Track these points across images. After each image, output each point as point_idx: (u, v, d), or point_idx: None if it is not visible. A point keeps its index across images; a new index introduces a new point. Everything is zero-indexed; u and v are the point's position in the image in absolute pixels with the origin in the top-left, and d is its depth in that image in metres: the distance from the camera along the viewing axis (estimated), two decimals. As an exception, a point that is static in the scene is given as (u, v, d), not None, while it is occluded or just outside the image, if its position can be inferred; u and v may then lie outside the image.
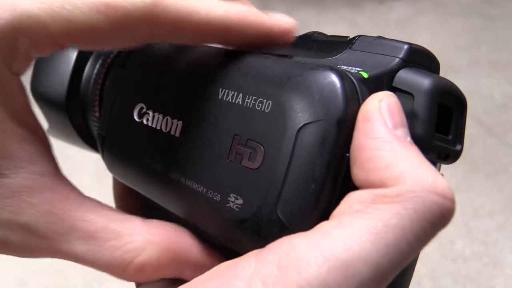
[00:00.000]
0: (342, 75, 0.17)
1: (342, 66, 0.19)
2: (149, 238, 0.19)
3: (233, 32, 0.19)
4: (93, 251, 0.19)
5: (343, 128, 0.16)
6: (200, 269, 0.19)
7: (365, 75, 0.18)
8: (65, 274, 0.89)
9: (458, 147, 0.19)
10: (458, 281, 0.86)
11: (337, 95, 0.16)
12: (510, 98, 1.24)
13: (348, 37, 0.21)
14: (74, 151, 0.32)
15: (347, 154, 0.17)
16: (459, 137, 0.19)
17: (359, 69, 0.18)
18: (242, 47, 0.20)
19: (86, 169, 1.03)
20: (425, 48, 0.19)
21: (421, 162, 0.16)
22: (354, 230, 0.15)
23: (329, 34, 0.23)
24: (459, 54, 1.41)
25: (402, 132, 0.17)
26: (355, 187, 0.16)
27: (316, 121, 0.16)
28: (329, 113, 0.16)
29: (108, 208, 0.20)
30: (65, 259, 0.19)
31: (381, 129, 0.16)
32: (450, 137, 0.19)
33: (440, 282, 0.86)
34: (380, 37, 0.20)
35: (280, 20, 0.20)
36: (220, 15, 0.19)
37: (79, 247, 0.19)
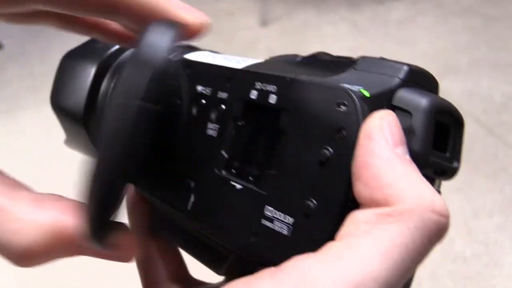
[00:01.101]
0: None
1: (345, 85, 0.19)
2: (35, 220, 0.18)
3: (121, 6, 0.19)
4: None
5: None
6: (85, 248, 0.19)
7: (367, 94, 0.19)
8: (65, 274, 0.89)
9: (455, 164, 0.20)
10: (458, 281, 0.86)
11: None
12: (510, 98, 1.24)
13: (352, 58, 0.22)
14: (72, 151, 0.33)
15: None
16: (456, 155, 0.20)
17: (360, 87, 0.19)
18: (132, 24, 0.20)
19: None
20: (424, 69, 0.20)
21: (420, 181, 0.17)
22: (364, 251, 0.16)
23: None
24: (459, 54, 1.41)
25: (402, 150, 0.18)
26: (353, 199, 0.18)
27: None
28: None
29: (6, 180, 0.19)
30: None
31: (383, 147, 0.17)
32: (447, 154, 0.20)
33: (440, 282, 0.86)
34: (382, 59, 0.21)
35: (190, 14, 0.20)
36: None
37: None
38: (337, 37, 1.56)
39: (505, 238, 0.91)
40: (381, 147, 0.17)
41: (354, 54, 0.23)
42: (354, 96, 0.18)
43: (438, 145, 0.19)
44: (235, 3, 1.80)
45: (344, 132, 0.18)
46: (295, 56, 0.25)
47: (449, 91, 1.20)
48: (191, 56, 0.29)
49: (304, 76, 0.21)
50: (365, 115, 0.18)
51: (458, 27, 1.54)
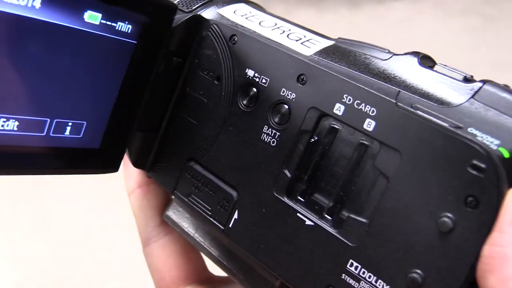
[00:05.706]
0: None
1: (476, 132, 0.16)
2: None
3: None
4: None
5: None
6: None
7: (506, 154, 0.16)
8: (65, 274, 0.89)
9: None
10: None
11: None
12: (510, 98, 1.24)
13: (462, 72, 0.18)
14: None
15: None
16: None
17: (497, 142, 0.16)
18: None
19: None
20: None
21: None
22: None
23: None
24: (459, 54, 1.41)
25: None
26: (473, 283, 0.15)
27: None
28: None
29: None
30: None
31: None
32: None
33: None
34: (507, 88, 0.17)
35: None
36: None
37: None
38: (337, 37, 1.56)
39: (505, 238, 0.91)
40: None
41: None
42: (495, 160, 0.15)
43: None
44: (235, 2, 1.80)
45: (476, 203, 0.15)
46: (382, 51, 0.20)
47: (449, 91, 1.19)
48: (227, 12, 0.23)
49: (408, 94, 0.17)
50: (505, 185, 0.15)
51: (458, 27, 1.54)
